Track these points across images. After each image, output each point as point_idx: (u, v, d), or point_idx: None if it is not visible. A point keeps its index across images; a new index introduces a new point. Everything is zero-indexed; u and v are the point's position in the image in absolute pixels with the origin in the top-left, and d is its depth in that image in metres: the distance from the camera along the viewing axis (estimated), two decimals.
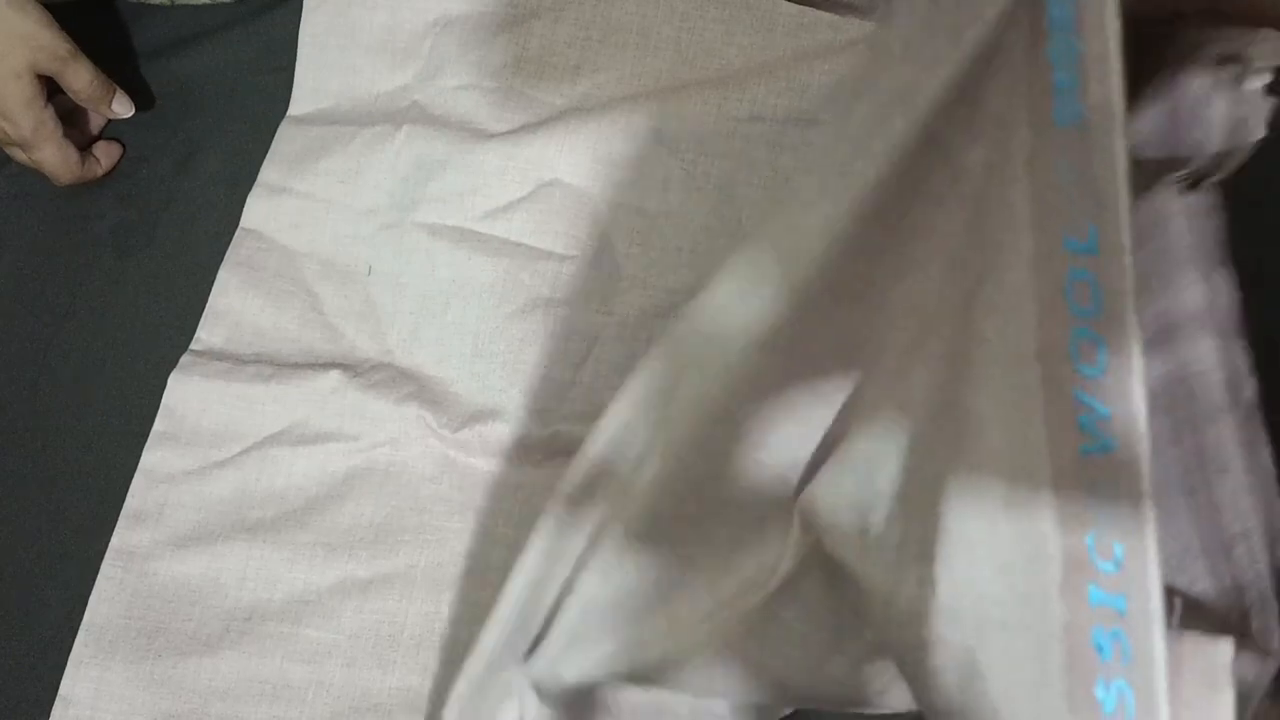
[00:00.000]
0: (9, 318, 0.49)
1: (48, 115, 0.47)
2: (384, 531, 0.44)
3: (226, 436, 0.45)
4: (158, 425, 0.46)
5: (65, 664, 0.42)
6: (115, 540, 0.44)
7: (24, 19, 0.44)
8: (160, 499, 0.45)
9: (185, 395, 0.46)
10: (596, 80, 0.49)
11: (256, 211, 0.50)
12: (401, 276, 0.48)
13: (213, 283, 0.48)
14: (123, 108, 0.50)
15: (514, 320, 0.46)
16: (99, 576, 0.44)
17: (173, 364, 0.47)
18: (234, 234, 0.49)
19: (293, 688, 0.41)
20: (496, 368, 0.45)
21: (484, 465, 0.44)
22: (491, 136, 0.49)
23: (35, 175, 0.52)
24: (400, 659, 0.42)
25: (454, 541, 0.43)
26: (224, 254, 0.49)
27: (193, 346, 0.47)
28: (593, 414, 0.44)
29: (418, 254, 0.48)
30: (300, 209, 0.49)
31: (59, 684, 0.42)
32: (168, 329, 0.48)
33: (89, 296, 0.50)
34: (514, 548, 0.42)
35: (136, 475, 0.45)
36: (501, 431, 0.44)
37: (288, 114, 0.51)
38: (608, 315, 0.46)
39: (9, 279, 0.50)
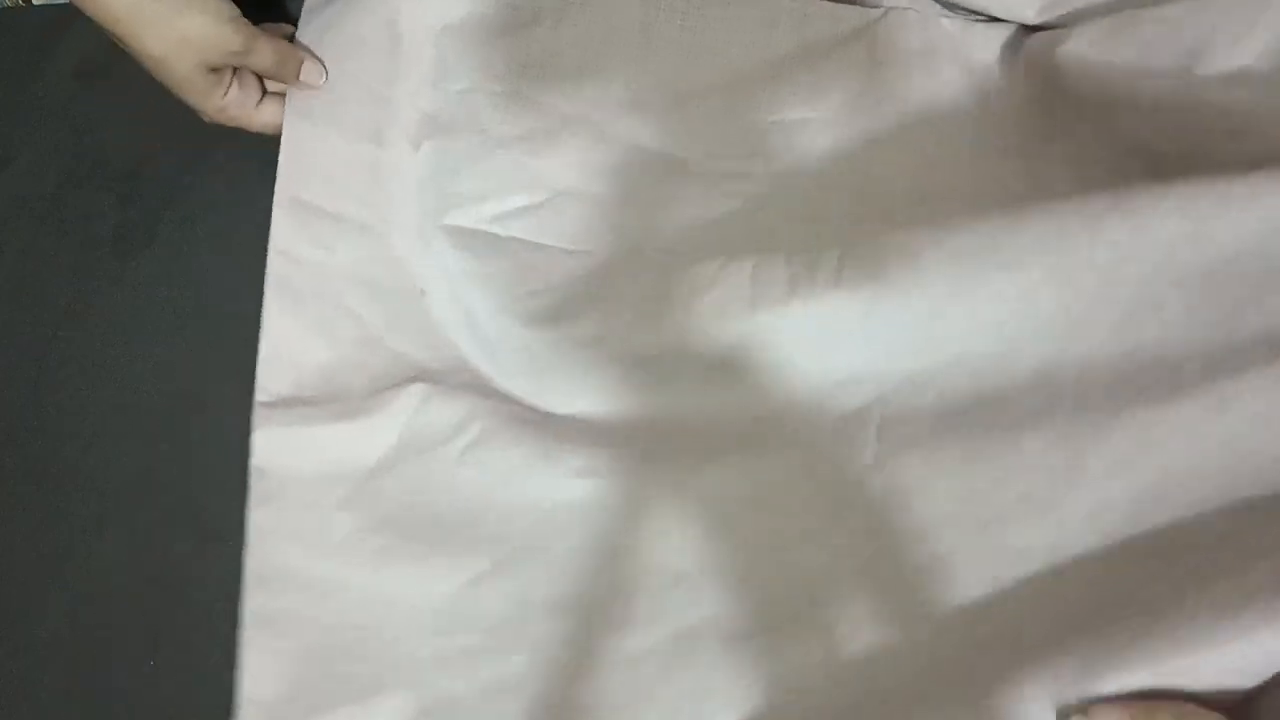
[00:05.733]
0: (9, 318, 0.49)
1: (228, 100, 0.47)
2: (493, 520, 0.43)
3: (328, 479, 0.44)
4: (255, 488, 0.43)
5: (65, 664, 0.42)
6: (251, 607, 0.41)
7: (190, 20, 0.43)
8: (281, 561, 0.43)
9: (269, 450, 0.44)
10: (600, 82, 0.49)
11: (285, 230, 0.47)
12: (439, 290, 0.47)
13: (213, 282, 0.48)
14: (312, 77, 0.49)
15: (539, 322, 0.46)
16: (245, 648, 0.41)
17: (173, 364, 0.47)
18: (234, 233, 0.49)
19: None
20: (558, 373, 0.45)
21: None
22: (499, 142, 0.48)
23: (36, 175, 0.52)
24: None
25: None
26: (224, 253, 0.49)
27: (260, 399, 0.45)
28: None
29: (444, 262, 0.47)
30: (334, 232, 0.47)
31: (58, 684, 0.42)
32: (168, 329, 0.48)
33: (89, 296, 0.49)
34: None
35: (250, 540, 0.42)
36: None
37: (287, 112, 0.51)
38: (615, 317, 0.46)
39: (9, 279, 0.50)
